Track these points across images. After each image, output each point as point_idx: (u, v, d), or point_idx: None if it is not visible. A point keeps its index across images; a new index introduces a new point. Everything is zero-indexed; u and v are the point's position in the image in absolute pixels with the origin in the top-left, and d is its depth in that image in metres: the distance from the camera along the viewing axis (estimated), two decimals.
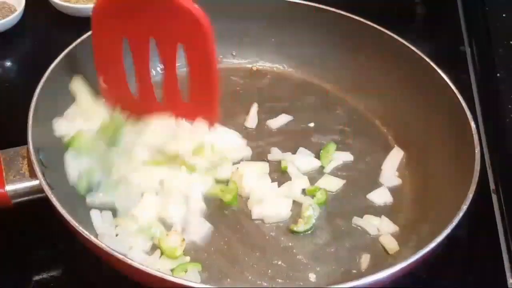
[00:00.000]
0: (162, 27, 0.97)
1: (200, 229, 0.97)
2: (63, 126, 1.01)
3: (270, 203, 1.00)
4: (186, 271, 0.91)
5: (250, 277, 0.93)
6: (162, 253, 0.93)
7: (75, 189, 0.98)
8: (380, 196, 1.05)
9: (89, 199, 0.96)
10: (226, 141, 1.08)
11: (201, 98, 1.03)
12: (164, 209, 0.97)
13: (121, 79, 1.03)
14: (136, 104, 1.05)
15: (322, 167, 1.08)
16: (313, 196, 1.03)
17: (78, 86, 1.05)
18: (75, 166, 0.98)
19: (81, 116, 1.03)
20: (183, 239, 0.94)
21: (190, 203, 0.99)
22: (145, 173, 0.99)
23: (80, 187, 0.96)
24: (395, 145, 1.13)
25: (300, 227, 0.98)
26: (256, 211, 1.00)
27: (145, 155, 1.01)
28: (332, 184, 1.06)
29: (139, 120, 1.04)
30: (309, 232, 0.99)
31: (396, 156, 1.11)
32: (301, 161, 1.08)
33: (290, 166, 1.07)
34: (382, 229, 1.00)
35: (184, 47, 0.98)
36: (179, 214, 0.98)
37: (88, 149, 0.99)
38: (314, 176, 1.07)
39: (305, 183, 1.05)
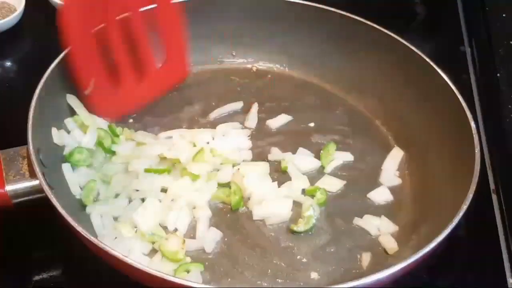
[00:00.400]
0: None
1: (211, 237, 0.96)
2: (61, 138, 1.01)
3: (270, 204, 1.00)
4: (188, 272, 0.91)
5: (250, 277, 0.93)
6: (163, 256, 0.93)
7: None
8: (381, 195, 1.05)
9: (89, 209, 0.96)
10: (228, 143, 1.08)
11: (173, 56, 1.15)
12: (167, 216, 0.97)
13: (99, 72, 1.06)
14: (120, 98, 1.10)
15: (322, 167, 1.08)
16: (313, 196, 1.03)
17: (73, 102, 1.06)
18: (75, 178, 0.98)
19: (79, 129, 1.04)
20: (183, 241, 0.94)
21: (197, 212, 0.99)
22: (145, 181, 0.99)
23: (85, 200, 0.96)
24: (395, 145, 1.13)
25: (300, 227, 0.98)
26: (257, 212, 1.00)
27: (145, 164, 1.01)
28: (332, 184, 1.06)
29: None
30: (310, 232, 0.99)
31: (396, 156, 1.11)
32: (301, 161, 1.08)
33: (290, 166, 1.06)
34: (382, 229, 1.00)
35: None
36: (185, 222, 0.97)
37: (86, 164, 1.00)
38: (314, 176, 1.07)
39: (305, 183, 1.05)
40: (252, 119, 1.16)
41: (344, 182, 1.06)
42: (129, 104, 1.13)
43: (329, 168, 1.08)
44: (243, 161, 1.07)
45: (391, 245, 0.97)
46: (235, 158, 1.06)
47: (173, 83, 1.19)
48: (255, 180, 1.03)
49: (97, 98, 1.07)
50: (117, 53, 1.08)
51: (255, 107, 1.17)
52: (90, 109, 1.07)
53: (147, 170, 0.99)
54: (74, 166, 0.99)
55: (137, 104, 1.14)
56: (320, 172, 1.08)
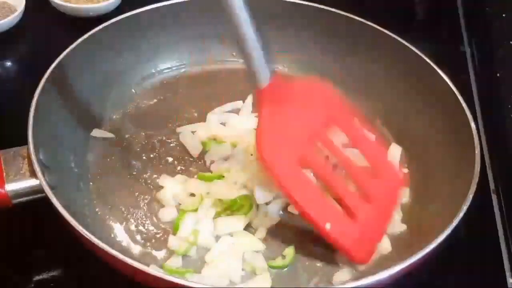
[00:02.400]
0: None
1: None
2: None
3: None
4: None
5: None
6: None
7: (76, 189, 0.99)
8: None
9: None
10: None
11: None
12: None
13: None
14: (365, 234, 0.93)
15: None
16: None
17: None
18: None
19: None
20: None
21: None
22: None
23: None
24: (392, 142, 1.12)
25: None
26: None
27: None
28: None
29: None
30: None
31: (395, 153, 1.10)
32: None
33: None
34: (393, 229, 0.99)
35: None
36: None
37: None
38: None
39: None
40: (246, 107, 1.16)
41: None
42: (375, 238, 0.95)
43: None
44: None
45: (384, 245, 0.96)
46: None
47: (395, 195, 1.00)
48: None
49: (344, 242, 0.91)
50: (331, 186, 0.93)
51: (249, 98, 1.17)
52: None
53: None
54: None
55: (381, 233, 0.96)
56: None
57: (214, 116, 1.14)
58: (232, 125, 1.13)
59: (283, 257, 0.95)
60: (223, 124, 1.14)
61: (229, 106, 1.17)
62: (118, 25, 1.14)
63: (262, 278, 0.91)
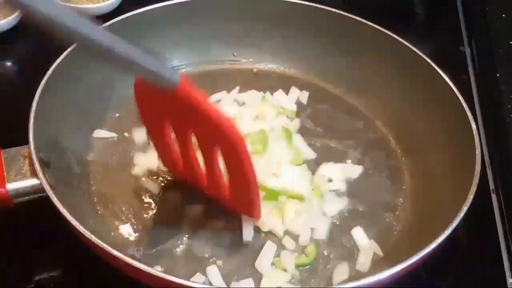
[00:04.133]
0: (197, 125, 0.87)
1: None
2: None
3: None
4: None
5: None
6: None
7: (77, 188, 0.99)
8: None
9: None
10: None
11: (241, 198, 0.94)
12: None
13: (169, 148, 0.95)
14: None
15: None
16: None
17: None
18: None
19: None
20: None
21: None
22: None
23: None
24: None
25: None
26: None
27: None
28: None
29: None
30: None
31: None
32: None
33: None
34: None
35: (221, 150, 0.88)
36: None
37: None
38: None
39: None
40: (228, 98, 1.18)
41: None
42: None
43: None
44: None
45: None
46: None
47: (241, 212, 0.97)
48: None
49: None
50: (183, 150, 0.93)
51: (234, 90, 1.19)
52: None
53: None
54: None
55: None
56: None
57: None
58: None
59: (306, 254, 0.95)
60: None
61: (214, 97, 1.18)
62: (118, 25, 1.13)
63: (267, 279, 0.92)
